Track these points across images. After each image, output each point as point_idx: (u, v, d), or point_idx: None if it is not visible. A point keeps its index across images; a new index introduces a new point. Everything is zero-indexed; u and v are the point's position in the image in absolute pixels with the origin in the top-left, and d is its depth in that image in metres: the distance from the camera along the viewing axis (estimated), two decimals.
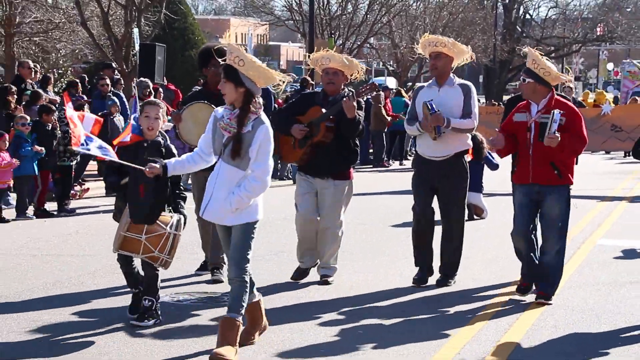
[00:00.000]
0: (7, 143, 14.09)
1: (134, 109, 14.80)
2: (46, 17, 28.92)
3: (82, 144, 7.98)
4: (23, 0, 27.75)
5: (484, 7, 52.02)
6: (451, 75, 9.51)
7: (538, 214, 8.87)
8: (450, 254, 9.64)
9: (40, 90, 17.36)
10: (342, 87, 9.56)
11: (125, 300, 8.47)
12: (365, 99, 9.71)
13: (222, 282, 9.49)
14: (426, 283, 9.62)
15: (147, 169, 7.28)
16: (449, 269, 9.67)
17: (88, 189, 18.27)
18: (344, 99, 9.09)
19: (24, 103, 16.54)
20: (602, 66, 76.35)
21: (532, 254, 8.97)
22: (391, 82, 44.36)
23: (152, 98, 9.13)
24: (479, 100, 17.67)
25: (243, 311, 7.09)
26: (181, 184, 8.30)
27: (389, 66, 49.43)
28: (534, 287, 9.05)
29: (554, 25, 57.27)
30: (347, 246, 11.07)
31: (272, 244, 11.98)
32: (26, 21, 28.41)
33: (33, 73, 18.76)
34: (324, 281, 9.63)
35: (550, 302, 8.81)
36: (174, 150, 8.10)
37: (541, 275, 8.88)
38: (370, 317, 8.48)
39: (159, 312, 8.06)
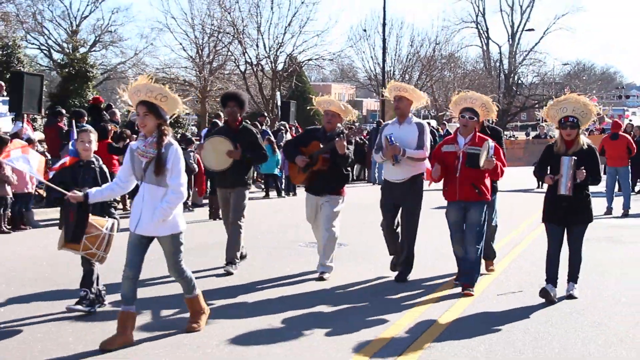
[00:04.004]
0: None
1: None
2: (224, 86, 30.24)
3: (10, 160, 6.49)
4: (211, 76, 29.15)
5: (492, 76, 52.01)
6: (410, 115, 7.76)
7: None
8: (406, 252, 7.75)
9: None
10: (339, 126, 8.01)
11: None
12: (354, 139, 7.98)
13: (232, 274, 7.89)
14: (406, 280, 7.68)
15: (69, 196, 5.64)
16: (405, 265, 7.77)
17: None
18: (337, 139, 7.57)
19: None
20: None
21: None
22: (433, 122, 44.61)
23: (85, 126, 6.97)
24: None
25: (195, 290, 5.69)
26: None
27: (431, 113, 49.81)
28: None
29: (536, 86, 56.65)
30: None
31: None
32: (213, 89, 29.80)
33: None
34: (320, 277, 7.76)
35: (472, 292, 7.05)
36: (105, 169, 6.43)
37: (465, 270, 7.18)
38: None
39: (104, 298, 6.37)
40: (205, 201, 14.52)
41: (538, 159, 7.09)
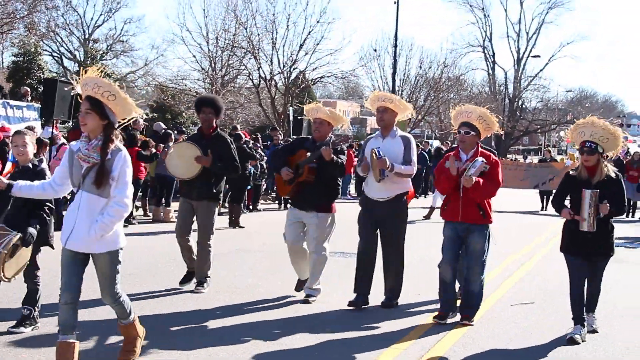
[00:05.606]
0: None
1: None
2: (236, 99, 30.75)
3: None
4: (223, 89, 29.64)
5: (496, 99, 52.62)
6: (394, 127, 7.12)
7: (464, 248, 6.61)
8: (392, 281, 7.14)
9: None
10: (329, 135, 7.32)
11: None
12: (346, 146, 6.69)
13: (203, 293, 7.36)
14: (360, 308, 6.98)
15: None
16: (392, 293, 7.16)
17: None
18: (323, 147, 6.93)
19: None
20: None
21: (454, 282, 6.68)
22: (436, 143, 45.21)
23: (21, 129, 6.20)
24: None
25: (132, 315, 4.90)
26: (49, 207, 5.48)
27: (436, 133, 50.37)
28: (451, 313, 6.65)
29: (540, 112, 57.22)
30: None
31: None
32: (224, 102, 30.23)
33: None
34: (305, 300, 7.20)
35: (472, 323, 6.50)
36: (47, 173, 5.53)
37: (466, 301, 6.57)
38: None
39: (37, 320, 5.68)
40: (224, 210, 14.97)
41: (557, 188, 6.53)
